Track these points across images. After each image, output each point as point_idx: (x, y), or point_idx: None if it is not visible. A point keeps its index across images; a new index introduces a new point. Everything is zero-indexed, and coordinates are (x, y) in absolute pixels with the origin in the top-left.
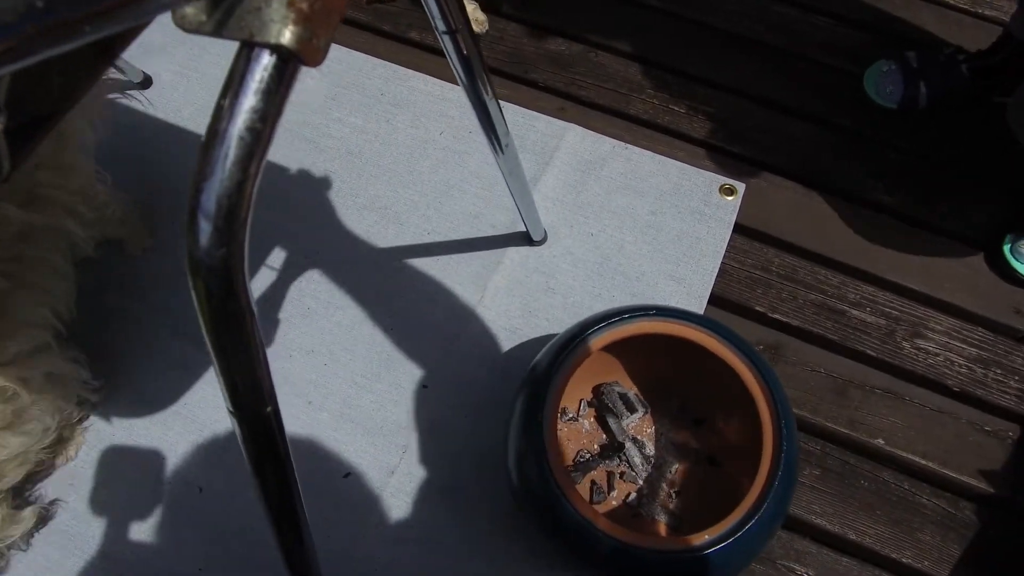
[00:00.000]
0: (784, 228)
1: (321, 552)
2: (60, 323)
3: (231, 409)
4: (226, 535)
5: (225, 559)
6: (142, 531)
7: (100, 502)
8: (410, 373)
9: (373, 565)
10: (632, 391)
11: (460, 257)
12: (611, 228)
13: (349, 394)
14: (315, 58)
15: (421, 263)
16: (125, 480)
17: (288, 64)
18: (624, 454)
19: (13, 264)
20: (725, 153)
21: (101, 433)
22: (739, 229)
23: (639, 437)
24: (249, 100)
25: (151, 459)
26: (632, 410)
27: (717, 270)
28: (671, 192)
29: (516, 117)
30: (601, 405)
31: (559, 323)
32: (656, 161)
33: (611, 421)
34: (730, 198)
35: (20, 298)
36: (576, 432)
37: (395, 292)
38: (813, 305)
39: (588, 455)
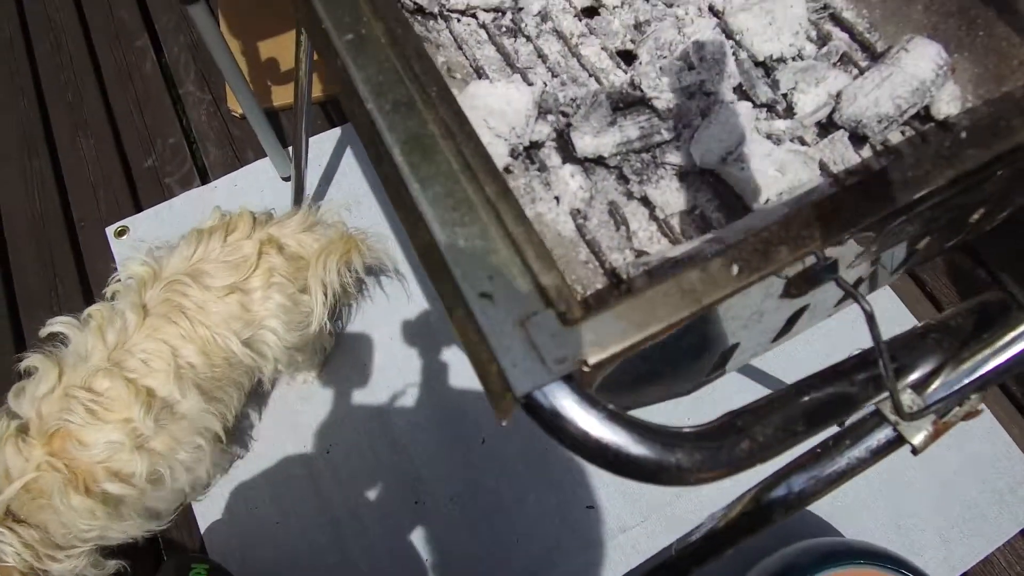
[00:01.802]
0: None
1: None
2: (221, 428)
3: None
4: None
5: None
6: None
7: None
8: None
9: None
10: None
11: None
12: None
13: None
14: (920, 452)
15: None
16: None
17: (895, 446)
18: None
19: (213, 383)
20: None
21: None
22: None
23: None
24: (860, 450)
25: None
26: None
27: (984, 557)
28: (987, 459)
29: (888, 304)
30: None
31: (815, 505)
32: (990, 424)
33: None
34: None
35: (202, 409)
36: None
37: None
38: None
39: None
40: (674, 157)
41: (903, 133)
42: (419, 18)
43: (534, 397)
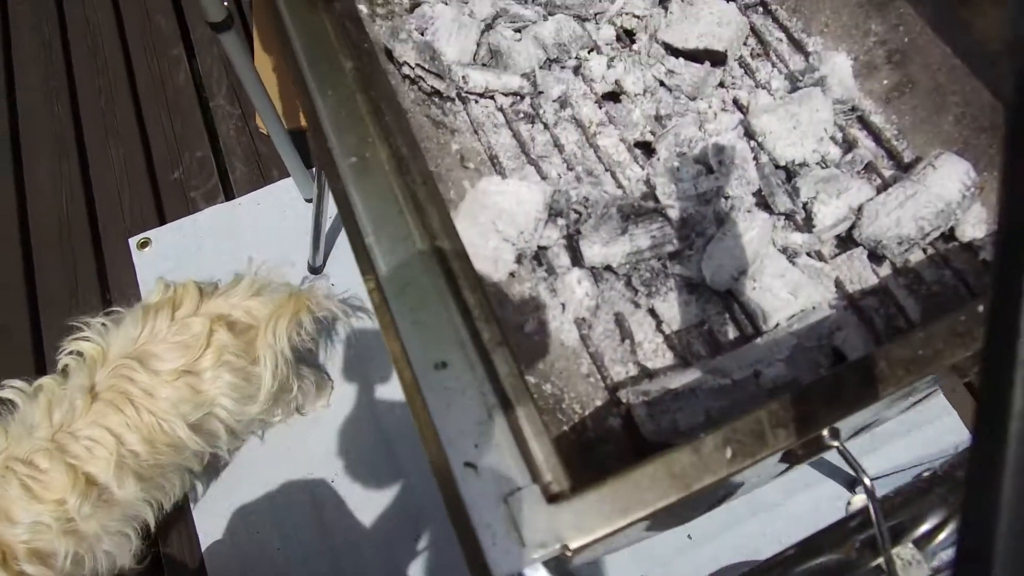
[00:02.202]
0: None
1: None
2: (153, 517)
3: None
4: None
5: None
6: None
7: None
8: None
9: None
10: None
11: None
12: None
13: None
14: None
15: None
16: None
17: None
18: None
19: (156, 470)
20: None
21: None
22: None
23: None
24: None
25: None
26: None
27: None
28: None
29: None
30: None
31: None
32: None
33: None
34: None
35: (138, 498)
36: None
37: None
38: None
39: None
40: (684, 269)
41: (925, 252)
42: (436, 100)
43: None
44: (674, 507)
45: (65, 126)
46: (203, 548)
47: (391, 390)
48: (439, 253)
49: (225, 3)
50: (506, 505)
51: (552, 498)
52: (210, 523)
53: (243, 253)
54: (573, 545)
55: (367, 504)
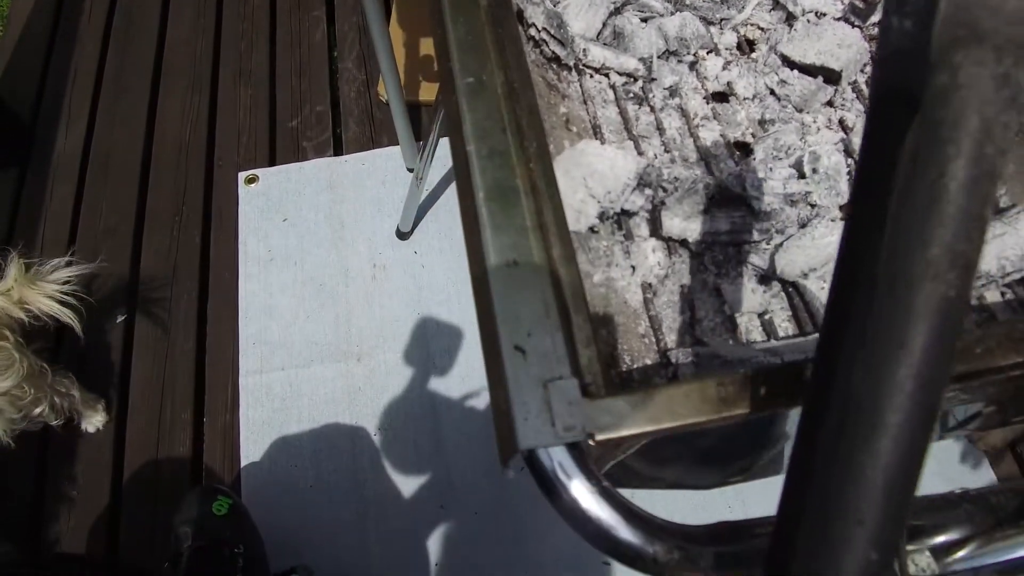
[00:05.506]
0: None
1: None
2: None
3: None
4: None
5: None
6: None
7: None
8: None
9: None
10: None
11: None
12: None
13: None
14: None
15: None
16: None
17: None
18: None
19: None
20: None
21: None
22: None
23: None
24: None
25: None
26: None
27: None
28: None
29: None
30: None
31: None
32: None
33: None
34: None
35: None
36: None
37: None
38: None
39: None
40: (758, 259)
41: (1003, 295)
42: (554, 66)
43: (536, 454)
44: (705, 430)
45: (204, 64)
46: (242, 465)
47: (450, 377)
48: (529, 173)
49: None
50: (544, 389)
51: (588, 394)
52: (254, 446)
53: (338, 207)
54: (599, 437)
55: (402, 466)
